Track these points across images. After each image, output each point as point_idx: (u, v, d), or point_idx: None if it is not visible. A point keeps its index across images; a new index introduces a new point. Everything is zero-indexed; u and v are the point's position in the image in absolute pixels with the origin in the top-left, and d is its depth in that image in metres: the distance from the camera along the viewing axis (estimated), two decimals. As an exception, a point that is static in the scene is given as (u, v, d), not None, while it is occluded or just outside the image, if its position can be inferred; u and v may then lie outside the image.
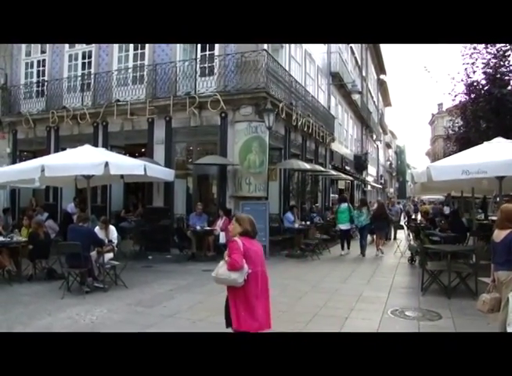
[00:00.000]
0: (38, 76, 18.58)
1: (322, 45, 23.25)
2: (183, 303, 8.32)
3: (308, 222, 16.22)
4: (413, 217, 27.12)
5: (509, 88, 14.37)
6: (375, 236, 17.12)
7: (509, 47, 14.60)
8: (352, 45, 30.92)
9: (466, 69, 15.85)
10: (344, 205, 16.08)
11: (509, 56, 14.83)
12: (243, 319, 4.68)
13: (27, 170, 10.44)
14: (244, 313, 4.69)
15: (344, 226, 15.78)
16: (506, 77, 14.74)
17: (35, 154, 16.58)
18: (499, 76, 14.67)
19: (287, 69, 16.85)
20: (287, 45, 17.55)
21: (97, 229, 10.32)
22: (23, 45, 18.75)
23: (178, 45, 15.36)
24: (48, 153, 15.77)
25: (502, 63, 14.86)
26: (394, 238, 20.43)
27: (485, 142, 9.62)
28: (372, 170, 41.46)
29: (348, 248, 15.93)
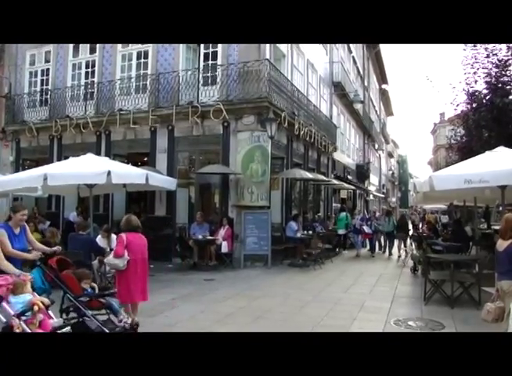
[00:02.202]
0: (42, 85, 18.71)
1: (324, 54, 23.34)
2: (185, 312, 8.29)
3: (311, 232, 16.22)
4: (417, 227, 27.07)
5: (510, 97, 14.37)
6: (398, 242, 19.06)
7: (510, 56, 14.64)
8: (354, 54, 31.02)
9: (467, 78, 15.89)
10: (343, 214, 19.62)
11: (510, 65, 14.85)
12: (123, 294, 6.54)
13: (30, 178, 10.45)
14: (123, 289, 6.57)
15: (341, 231, 19.29)
16: (508, 87, 14.76)
17: (38, 163, 16.59)
18: (500, 85, 14.69)
19: (290, 78, 16.90)
20: (290, 54, 17.61)
21: (99, 237, 10.32)
22: (27, 55, 18.89)
23: (180, 54, 15.47)
24: (51, 161, 15.80)
25: (503, 73, 14.89)
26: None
27: (487, 152, 9.61)
28: (374, 179, 41.42)
29: (343, 249, 19.47)
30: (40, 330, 4.78)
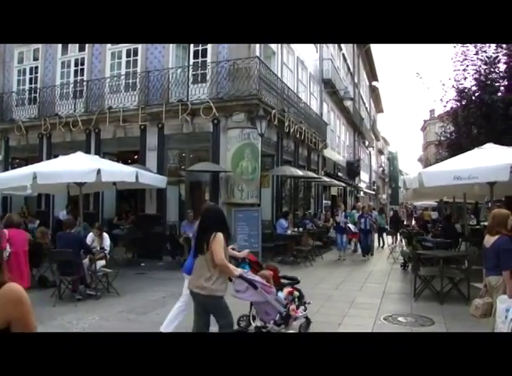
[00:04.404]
0: (31, 83, 18.56)
1: (314, 52, 23.37)
2: (176, 310, 8.27)
3: (301, 229, 16.22)
4: (406, 223, 27.23)
5: (499, 94, 14.45)
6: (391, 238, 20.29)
7: (499, 53, 14.73)
8: (344, 51, 31.09)
9: (457, 75, 15.96)
10: (354, 211, 19.36)
11: (499, 62, 14.94)
12: None
13: (19, 177, 10.39)
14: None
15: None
16: (497, 84, 14.84)
17: (27, 161, 16.50)
18: (489, 82, 14.77)
19: (280, 76, 16.91)
20: (280, 52, 17.62)
21: (91, 235, 10.32)
22: (16, 52, 18.76)
23: (170, 52, 15.42)
24: (41, 160, 15.71)
25: (492, 70, 14.97)
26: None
27: (476, 148, 9.69)
28: (364, 176, 41.57)
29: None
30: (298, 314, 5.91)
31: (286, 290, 5.79)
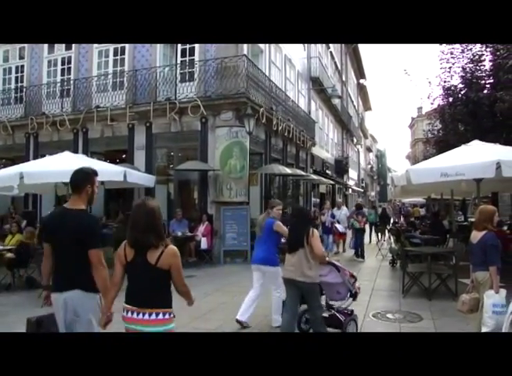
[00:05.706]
0: (17, 82, 18.41)
1: (302, 50, 23.39)
2: (165, 309, 8.25)
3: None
4: (395, 220, 27.35)
5: (485, 91, 14.60)
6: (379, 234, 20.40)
7: (484, 51, 14.86)
8: (332, 49, 31.14)
9: (443, 73, 16.08)
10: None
11: (484, 60, 15.07)
12: None
13: (6, 177, 10.29)
14: None
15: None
16: (482, 81, 14.98)
17: (14, 161, 16.35)
18: (475, 80, 14.90)
19: (267, 74, 16.90)
20: (267, 50, 17.61)
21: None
22: (1, 51, 18.60)
23: (157, 50, 15.38)
24: (28, 160, 15.59)
25: (478, 68, 15.10)
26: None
27: (463, 145, 9.76)
28: (353, 174, 41.69)
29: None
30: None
31: (349, 272, 6.55)
